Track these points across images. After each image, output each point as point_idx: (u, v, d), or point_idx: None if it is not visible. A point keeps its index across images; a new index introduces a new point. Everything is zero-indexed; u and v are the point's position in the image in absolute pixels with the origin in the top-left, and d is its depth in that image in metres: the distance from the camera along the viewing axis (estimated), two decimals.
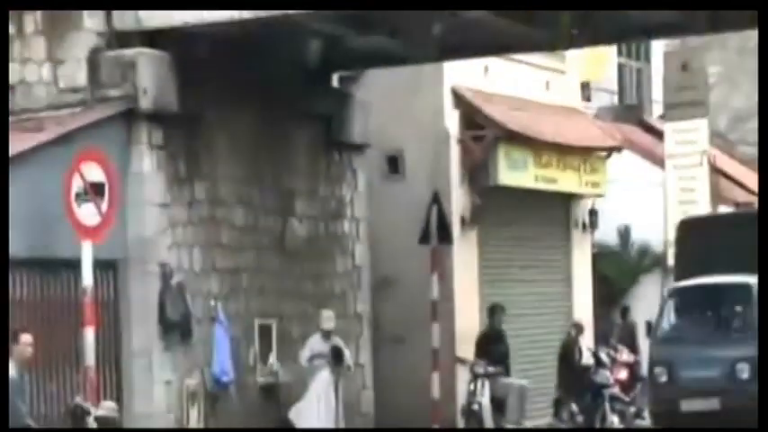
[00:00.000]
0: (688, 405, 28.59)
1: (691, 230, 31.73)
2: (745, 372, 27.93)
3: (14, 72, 24.95)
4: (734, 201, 42.84)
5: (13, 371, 19.45)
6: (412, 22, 25.38)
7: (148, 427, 23.59)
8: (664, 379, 28.88)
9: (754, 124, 49.01)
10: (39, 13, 24.76)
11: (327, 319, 26.40)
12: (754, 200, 45.17)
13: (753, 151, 48.14)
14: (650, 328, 31.75)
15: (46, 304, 22.05)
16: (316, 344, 26.26)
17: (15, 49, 24.94)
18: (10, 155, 22.76)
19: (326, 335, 26.17)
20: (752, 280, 27.13)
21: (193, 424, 24.64)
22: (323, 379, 25.76)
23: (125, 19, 24.59)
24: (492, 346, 29.89)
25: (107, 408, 21.23)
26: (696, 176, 39.23)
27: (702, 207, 38.96)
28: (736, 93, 47.77)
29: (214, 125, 25.56)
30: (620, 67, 42.59)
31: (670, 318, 29.90)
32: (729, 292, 29.78)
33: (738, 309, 29.25)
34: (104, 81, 24.57)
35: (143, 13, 24.44)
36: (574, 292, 36.32)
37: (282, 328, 26.70)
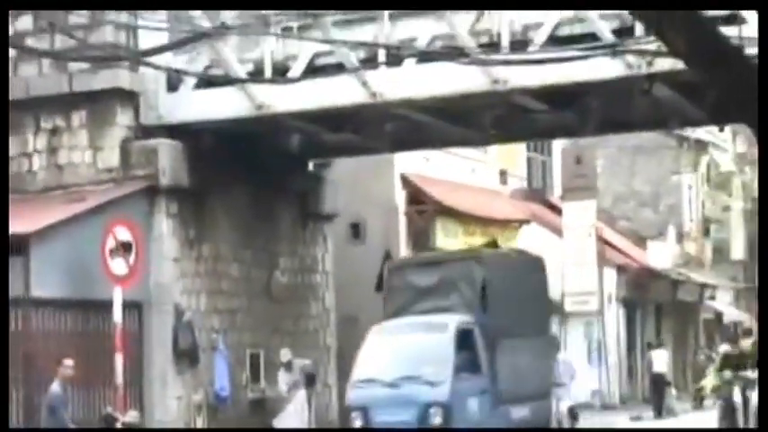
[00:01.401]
0: None
1: (397, 272, 25.78)
2: (437, 416, 22.39)
3: (63, 155, 25.13)
4: (614, 262, 43.02)
5: (57, 386, 19.74)
6: (370, 123, 25.56)
7: (149, 427, 23.52)
8: (359, 423, 22.85)
9: (631, 204, 49.50)
10: (83, 111, 24.93)
11: (284, 354, 26.18)
12: (632, 262, 45.56)
13: (630, 225, 48.51)
14: None
15: (85, 335, 22.16)
16: (283, 377, 26.06)
17: (65, 138, 25.11)
18: (60, 220, 23.03)
19: (287, 365, 25.95)
20: (450, 320, 23.83)
21: None
22: (300, 396, 25.76)
23: (149, 116, 24.75)
24: None
25: (132, 416, 21.43)
26: (586, 243, 39.30)
27: (591, 267, 39.10)
28: (616, 180, 48.03)
29: (216, 199, 25.60)
30: (529, 160, 42.68)
31: (366, 359, 23.65)
32: (425, 333, 23.84)
33: (433, 349, 23.34)
34: (133, 163, 24.72)
35: (163, 111, 24.67)
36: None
37: (268, 356, 26.60)
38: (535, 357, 25.89)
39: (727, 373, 26.48)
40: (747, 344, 38.48)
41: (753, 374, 25.16)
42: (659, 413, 39.60)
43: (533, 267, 27.34)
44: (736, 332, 52.04)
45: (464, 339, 23.54)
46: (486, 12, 22.29)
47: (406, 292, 25.11)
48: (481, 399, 23.48)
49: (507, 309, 24.59)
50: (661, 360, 42.04)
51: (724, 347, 47.58)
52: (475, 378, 23.53)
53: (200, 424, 24.70)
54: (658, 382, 40.70)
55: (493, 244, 28.50)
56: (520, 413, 24.66)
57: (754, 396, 25.49)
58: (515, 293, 25.23)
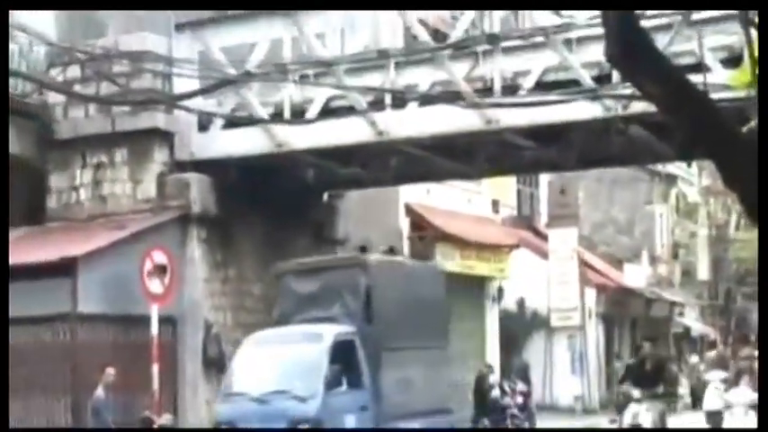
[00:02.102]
0: None
1: (282, 278, 22.65)
2: None
3: (107, 187, 25.20)
4: (594, 282, 42.97)
5: (101, 392, 19.81)
6: (377, 159, 25.64)
7: (181, 428, 23.35)
8: None
9: (609, 230, 49.47)
10: (125, 148, 25.03)
11: None
12: (609, 282, 45.51)
13: (608, 249, 48.44)
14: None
15: (126, 347, 22.14)
16: None
17: (108, 172, 25.18)
18: (104, 245, 23.08)
19: None
20: (326, 330, 20.71)
21: None
22: None
23: (182, 153, 24.87)
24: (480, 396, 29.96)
25: (166, 419, 21.40)
26: (569, 266, 39.37)
27: (573, 287, 39.13)
28: (596, 209, 48.03)
29: (241, 226, 25.55)
30: (519, 191, 42.67)
31: (236, 371, 20.84)
32: (299, 344, 20.61)
33: (306, 362, 20.17)
34: (168, 195, 24.79)
35: (194, 149, 24.75)
36: (487, 343, 36.26)
37: None
38: (428, 370, 22.71)
39: (625, 387, 23.78)
40: (711, 354, 38.62)
41: (660, 389, 22.98)
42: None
43: (429, 276, 24.42)
44: (701, 344, 52.15)
45: (342, 351, 20.37)
46: (481, 60, 22.35)
47: (289, 300, 22.22)
48: (360, 415, 20.41)
49: (396, 319, 21.70)
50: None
51: (694, 359, 47.68)
52: (354, 393, 20.49)
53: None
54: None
55: (390, 251, 24.91)
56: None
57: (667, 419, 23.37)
58: (406, 303, 22.24)
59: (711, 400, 26.51)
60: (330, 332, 20.66)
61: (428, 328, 22.75)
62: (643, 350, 24.22)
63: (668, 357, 25.94)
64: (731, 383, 25.96)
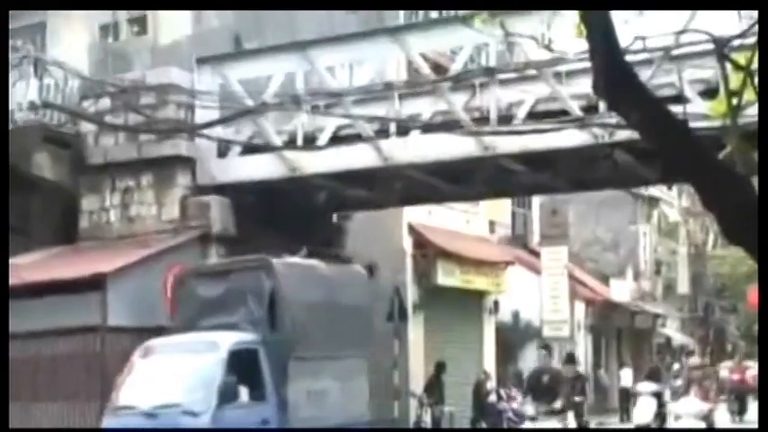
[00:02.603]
0: None
1: (185, 282, 20.51)
2: None
3: (134, 209, 25.10)
4: (583, 296, 42.97)
5: None
6: (382, 182, 25.50)
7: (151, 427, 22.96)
8: None
9: (596, 248, 49.44)
10: (150, 174, 25.00)
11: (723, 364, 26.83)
12: (597, 296, 45.48)
13: (596, 266, 48.41)
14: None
15: None
16: None
17: (135, 195, 25.09)
18: (131, 262, 23.06)
19: None
20: (223, 339, 18.25)
21: None
22: None
23: (203, 177, 24.81)
24: (434, 386, 29.99)
25: None
26: (560, 281, 39.32)
27: (563, 300, 39.10)
28: (584, 229, 48.00)
29: (257, 245, 25.22)
30: (513, 212, 42.50)
31: (126, 383, 18.04)
32: (193, 355, 18.01)
33: (198, 374, 17.62)
34: (190, 216, 24.69)
35: (214, 173, 24.68)
36: (484, 352, 36.16)
37: None
38: (345, 380, 20.25)
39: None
40: (695, 362, 38.30)
41: (557, 404, 21.39)
42: (624, 419, 39.69)
43: (349, 281, 21.67)
44: (681, 353, 52.07)
45: (242, 361, 17.79)
46: (478, 92, 22.37)
47: (191, 306, 19.88)
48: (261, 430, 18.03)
49: (308, 326, 19.30)
50: (626, 376, 42.26)
51: (676, 366, 47.52)
52: (255, 406, 17.94)
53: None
54: (625, 394, 40.93)
55: (309, 254, 22.23)
56: None
57: None
58: (320, 309, 19.86)
59: (642, 414, 25.89)
60: (227, 340, 18.28)
61: (346, 335, 20.32)
62: (538, 365, 22.35)
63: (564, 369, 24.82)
64: (680, 394, 24.73)
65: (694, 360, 34.97)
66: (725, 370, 39.27)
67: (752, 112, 4.77)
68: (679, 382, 29.51)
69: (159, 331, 21.60)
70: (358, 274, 22.43)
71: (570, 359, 28.62)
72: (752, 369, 37.18)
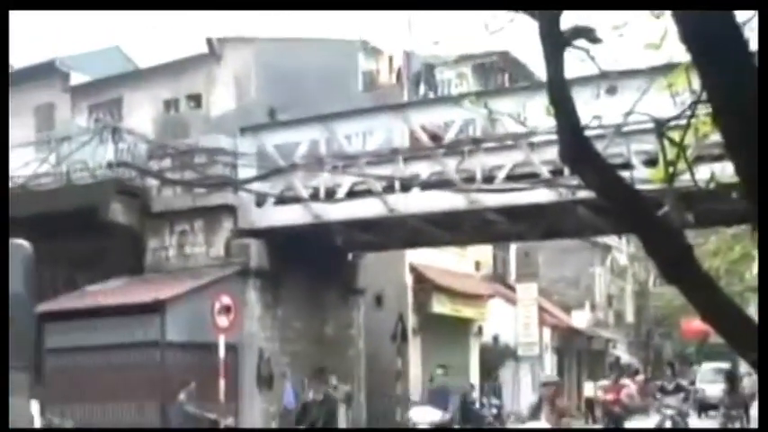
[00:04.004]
0: None
1: None
2: None
3: (188, 248, 25.17)
4: (550, 323, 42.74)
5: (184, 398, 19.72)
6: (389, 229, 25.34)
7: (152, 428, 22.90)
8: None
9: (561, 285, 49.06)
10: (201, 220, 25.01)
11: (332, 381, 24.26)
12: (561, 323, 45.27)
13: (560, 299, 48.13)
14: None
15: (200, 367, 21.83)
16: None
17: (189, 237, 25.19)
18: (185, 291, 23.06)
19: (334, 388, 24.24)
20: None
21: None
22: (342, 408, 24.72)
23: (244, 223, 24.80)
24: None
25: (230, 421, 21.35)
26: (531, 311, 39.07)
27: (534, 327, 38.83)
28: (551, 269, 47.69)
29: (286, 278, 25.32)
30: (494, 255, 41.96)
31: None
32: None
33: None
34: (233, 254, 24.74)
35: (253, 220, 24.69)
36: (470, 368, 35.95)
37: (322, 383, 26.12)
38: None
39: None
40: (640, 379, 37.90)
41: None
42: (589, 422, 39.52)
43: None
44: (628, 370, 51.74)
45: None
46: (466, 157, 22.37)
47: None
48: None
49: None
50: (590, 388, 42.12)
51: (623, 381, 47.04)
52: None
53: (273, 425, 24.30)
54: (589, 403, 40.76)
55: None
56: None
57: None
58: None
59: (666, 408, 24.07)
60: None
61: None
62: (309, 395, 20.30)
63: (338, 399, 23.02)
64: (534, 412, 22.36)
65: (606, 382, 34.26)
66: (599, 390, 34.90)
67: (685, 178, 4.84)
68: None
69: (207, 347, 21.61)
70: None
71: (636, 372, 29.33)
72: (628, 387, 32.76)
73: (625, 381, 33.78)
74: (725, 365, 40.60)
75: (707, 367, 44.58)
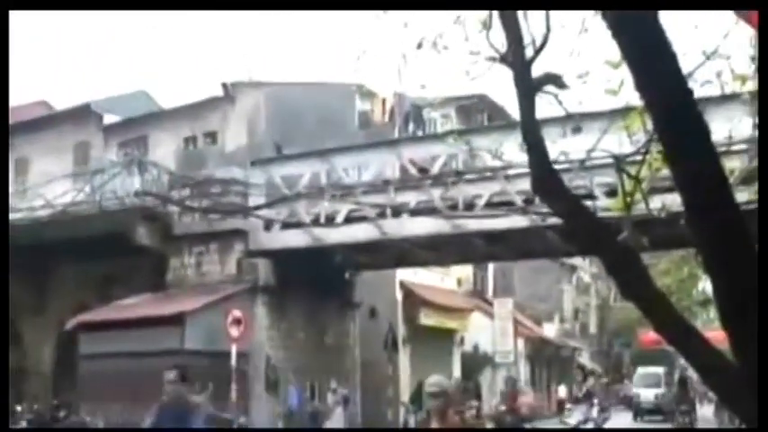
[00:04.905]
0: None
1: None
2: None
3: (204, 267, 25.12)
4: (523, 334, 42.67)
5: (202, 399, 19.52)
6: (382, 250, 25.19)
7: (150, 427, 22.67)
8: None
9: (534, 300, 49.09)
10: (216, 242, 24.96)
11: (332, 384, 24.89)
12: (533, 334, 45.20)
13: (533, 312, 48.04)
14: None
15: (216, 372, 21.49)
16: (331, 398, 25.00)
17: (205, 258, 25.23)
18: (202, 305, 22.97)
19: (334, 391, 24.86)
20: None
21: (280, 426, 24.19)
22: (339, 410, 24.53)
23: (254, 245, 24.74)
24: (418, 399, 29.59)
25: (242, 419, 21.26)
26: (507, 323, 39.08)
27: (509, 337, 38.73)
28: (525, 286, 47.74)
29: (291, 294, 25.26)
30: (475, 273, 41.81)
31: None
32: None
33: None
34: (243, 272, 24.72)
35: (261, 242, 24.60)
36: (453, 373, 35.78)
37: (321, 386, 25.99)
38: None
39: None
40: (603, 381, 37.66)
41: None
42: (562, 421, 39.44)
43: None
44: (591, 374, 51.70)
45: None
46: (450, 187, 22.37)
47: None
48: None
49: None
50: (562, 391, 42.16)
51: (589, 383, 47.05)
52: None
53: (280, 425, 24.18)
54: (561, 403, 40.73)
55: None
56: None
57: None
58: None
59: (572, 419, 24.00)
60: None
61: None
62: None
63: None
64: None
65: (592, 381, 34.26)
66: (498, 398, 32.18)
67: (641, 207, 4.89)
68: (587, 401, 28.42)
69: (221, 354, 21.54)
70: None
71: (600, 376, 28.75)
72: (527, 395, 30.76)
73: (524, 388, 32.12)
74: (659, 370, 39.92)
75: (641, 372, 41.80)
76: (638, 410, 38.28)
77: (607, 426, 29.99)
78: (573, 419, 23.43)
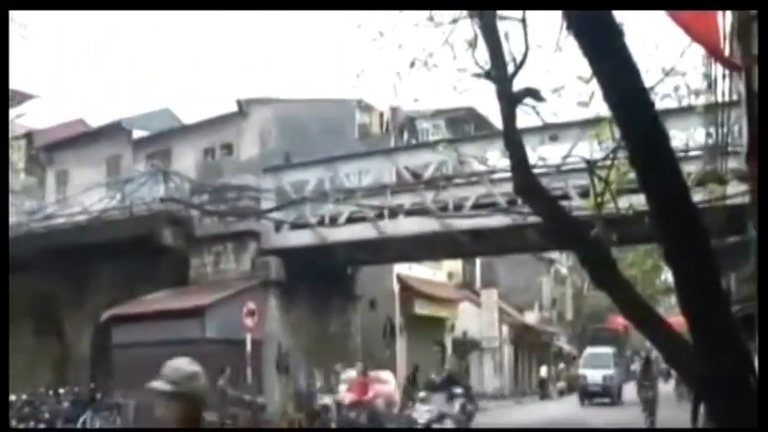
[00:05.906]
0: None
1: None
2: None
3: (222, 265, 24.90)
4: (507, 321, 42.64)
5: (222, 382, 19.46)
6: (380, 248, 24.97)
7: (151, 427, 22.30)
8: None
9: (516, 290, 48.90)
10: (232, 242, 24.73)
11: (338, 367, 23.37)
12: (516, 321, 45.16)
13: (515, 302, 47.92)
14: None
15: (233, 357, 21.29)
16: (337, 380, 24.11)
17: (222, 256, 24.89)
18: (220, 298, 22.82)
19: (339, 373, 23.83)
20: None
21: (290, 409, 23.71)
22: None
23: (265, 244, 24.57)
24: (414, 383, 29.45)
25: (261, 399, 21.18)
26: (493, 312, 39.23)
27: (495, 324, 38.82)
28: (509, 278, 47.65)
29: (299, 288, 24.95)
30: (464, 267, 41.82)
31: None
32: None
33: None
34: (257, 269, 24.50)
35: (272, 242, 24.42)
36: (445, 358, 35.84)
37: (326, 369, 25.06)
38: None
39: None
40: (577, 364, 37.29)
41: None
42: (543, 398, 39.47)
43: None
44: (568, 357, 51.66)
45: None
46: (441, 191, 22.31)
47: None
48: None
49: None
50: (543, 370, 42.17)
51: (561, 365, 46.95)
52: None
53: (291, 406, 23.91)
54: (542, 382, 40.76)
55: None
56: None
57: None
58: None
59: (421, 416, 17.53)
60: None
61: None
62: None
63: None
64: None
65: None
66: (343, 384, 22.06)
67: (610, 206, 4.92)
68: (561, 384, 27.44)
69: (237, 342, 21.44)
70: None
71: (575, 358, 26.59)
72: (387, 383, 22.21)
73: (383, 375, 22.97)
74: (608, 350, 35.61)
75: (589, 352, 36.15)
76: (584, 393, 32.61)
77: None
78: (420, 415, 16.94)
